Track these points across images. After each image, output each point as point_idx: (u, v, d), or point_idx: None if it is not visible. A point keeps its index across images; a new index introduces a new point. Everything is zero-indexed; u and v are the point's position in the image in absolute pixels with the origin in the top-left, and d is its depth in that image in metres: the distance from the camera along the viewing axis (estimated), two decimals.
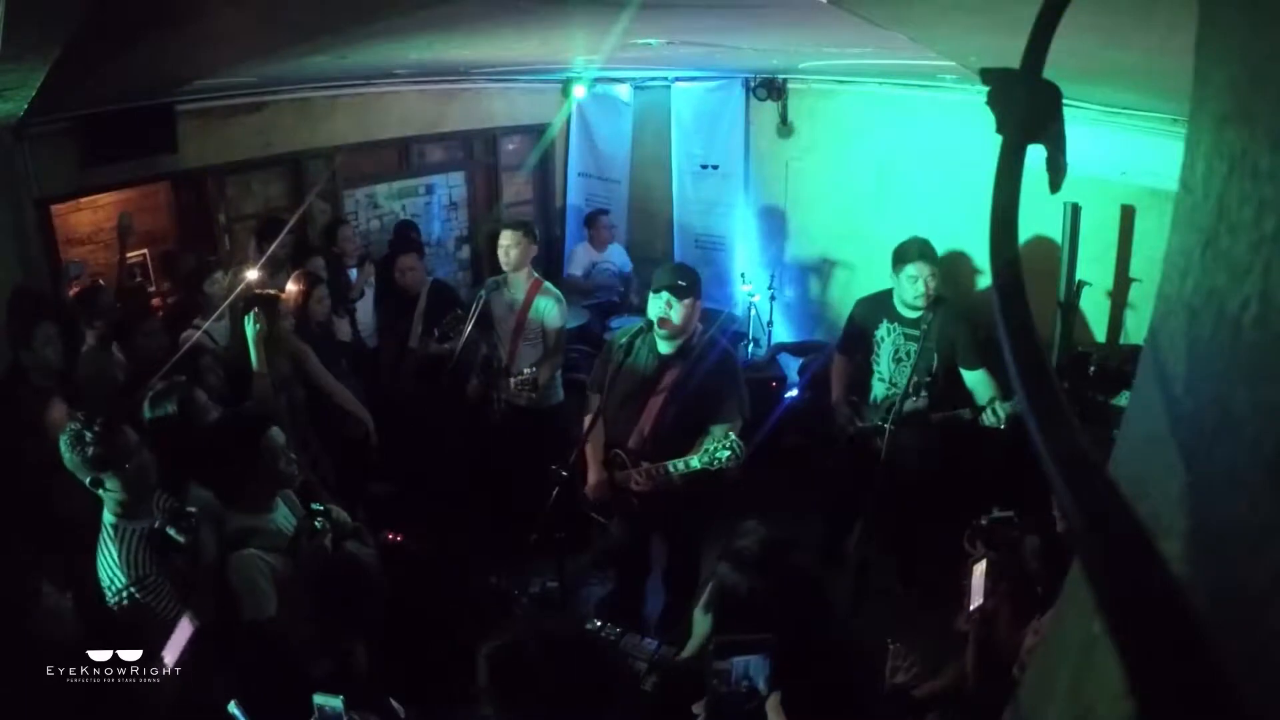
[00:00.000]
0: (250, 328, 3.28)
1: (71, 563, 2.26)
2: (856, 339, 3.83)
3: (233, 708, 1.83)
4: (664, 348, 3.13)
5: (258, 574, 2.25)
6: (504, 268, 4.11)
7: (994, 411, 3.30)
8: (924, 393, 3.57)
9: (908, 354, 3.63)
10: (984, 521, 2.45)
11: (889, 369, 3.70)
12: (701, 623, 2.06)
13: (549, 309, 4.10)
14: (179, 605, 2.18)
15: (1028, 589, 2.33)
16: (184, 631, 2.01)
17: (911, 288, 3.55)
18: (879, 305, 3.75)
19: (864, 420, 3.71)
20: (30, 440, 2.60)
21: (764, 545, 1.94)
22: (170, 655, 1.97)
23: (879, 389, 3.74)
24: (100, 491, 2.18)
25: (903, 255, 3.62)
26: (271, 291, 3.72)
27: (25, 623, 1.90)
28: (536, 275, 4.20)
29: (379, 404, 4.19)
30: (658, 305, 3.04)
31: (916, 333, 3.59)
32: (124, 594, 2.15)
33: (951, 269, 4.77)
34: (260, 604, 2.23)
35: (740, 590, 1.89)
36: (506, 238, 4.07)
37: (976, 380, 3.54)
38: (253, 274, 4.09)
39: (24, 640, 1.87)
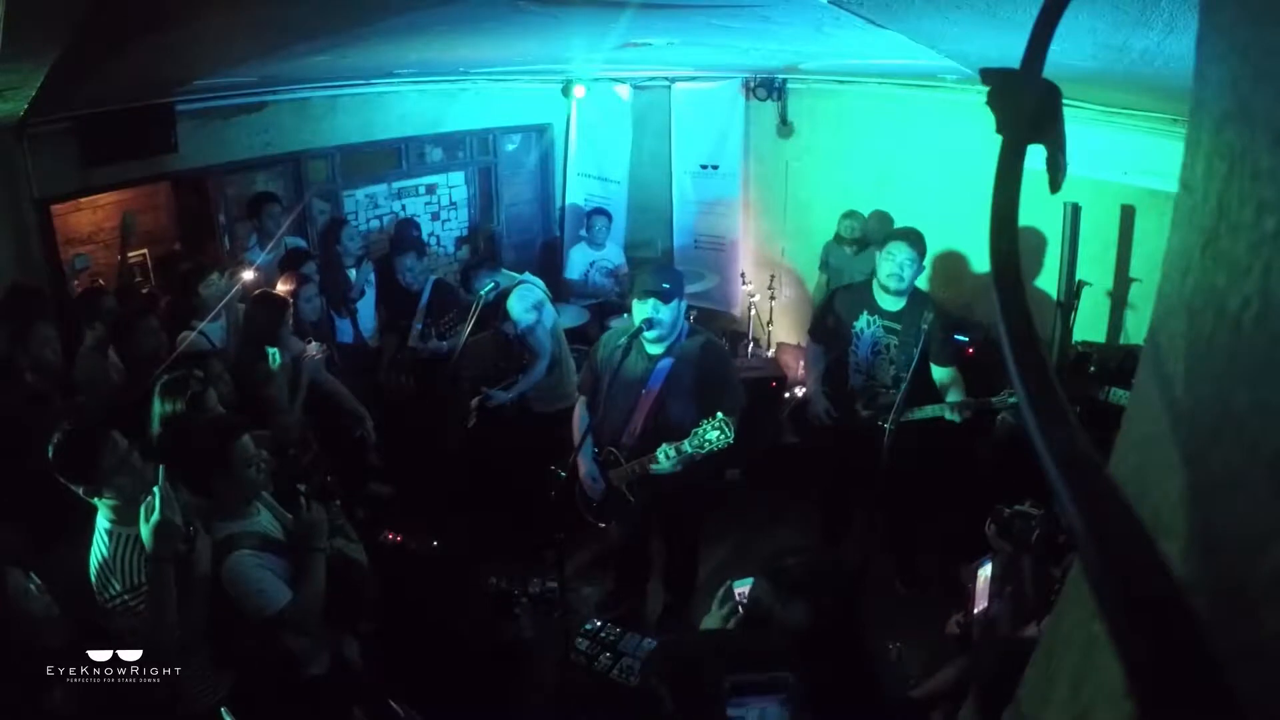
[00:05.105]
0: (274, 361, 3.32)
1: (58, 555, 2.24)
2: (833, 328, 3.76)
3: (225, 715, 1.82)
4: (653, 348, 3.16)
5: (257, 570, 2.20)
6: None
7: (961, 408, 3.39)
8: (903, 386, 3.56)
9: (886, 347, 3.62)
10: (1007, 512, 2.41)
11: (866, 361, 3.67)
12: (714, 618, 2.02)
13: (511, 309, 4.10)
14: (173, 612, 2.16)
15: (1035, 590, 2.31)
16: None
17: (887, 264, 3.52)
18: (859, 296, 3.71)
19: (837, 412, 3.71)
20: (21, 442, 2.59)
21: (808, 571, 1.84)
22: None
23: (855, 380, 3.71)
24: (94, 499, 2.17)
25: (891, 234, 3.66)
26: (276, 292, 3.73)
27: None
28: (519, 277, 4.25)
29: (378, 403, 4.18)
30: (643, 309, 3.05)
31: (897, 326, 3.58)
32: (118, 600, 2.14)
33: (951, 268, 4.78)
34: (268, 599, 2.17)
35: (770, 610, 1.81)
36: None
37: (946, 378, 3.56)
38: (249, 275, 4.09)
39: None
